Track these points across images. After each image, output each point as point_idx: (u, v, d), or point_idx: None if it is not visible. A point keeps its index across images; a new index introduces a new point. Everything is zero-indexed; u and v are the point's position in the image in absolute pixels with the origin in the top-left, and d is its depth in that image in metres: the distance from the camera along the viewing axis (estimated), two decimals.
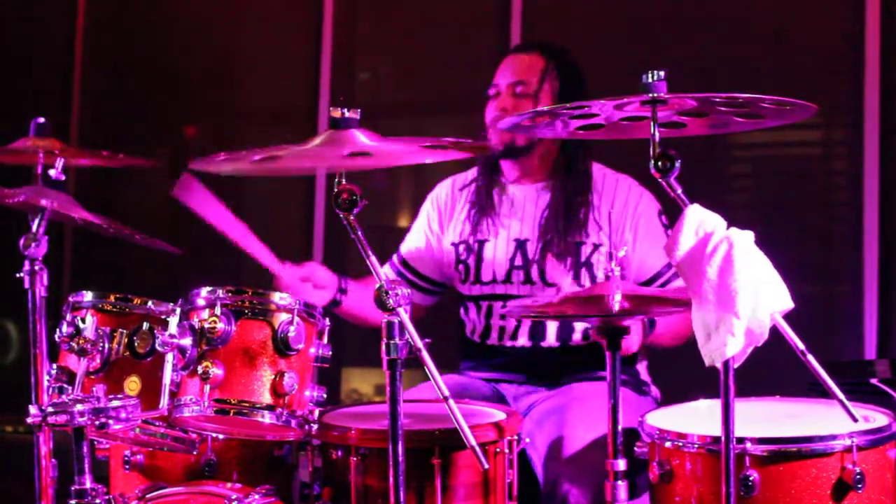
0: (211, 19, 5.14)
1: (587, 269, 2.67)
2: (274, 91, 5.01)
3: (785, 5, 4.07)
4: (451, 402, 1.85)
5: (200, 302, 2.09)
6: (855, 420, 1.86)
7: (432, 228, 2.89)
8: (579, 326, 2.68)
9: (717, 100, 1.86)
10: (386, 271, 2.88)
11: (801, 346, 1.81)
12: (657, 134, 1.87)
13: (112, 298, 2.16)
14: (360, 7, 4.93)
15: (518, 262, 2.72)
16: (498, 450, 2.18)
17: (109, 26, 5.34)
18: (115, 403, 1.89)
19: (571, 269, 2.66)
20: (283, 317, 2.08)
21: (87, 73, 5.31)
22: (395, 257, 2.92)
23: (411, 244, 2.91)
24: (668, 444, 2.08)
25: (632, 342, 2.40)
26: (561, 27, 4.37)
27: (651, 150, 1.87)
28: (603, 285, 2.16)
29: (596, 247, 2.67)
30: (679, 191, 1.86)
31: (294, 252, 4.62)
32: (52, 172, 2.38)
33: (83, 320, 2.06)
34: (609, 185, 2.74)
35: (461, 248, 2.81)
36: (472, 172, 2.87)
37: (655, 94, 1.84)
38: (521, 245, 2.73)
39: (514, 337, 2.73)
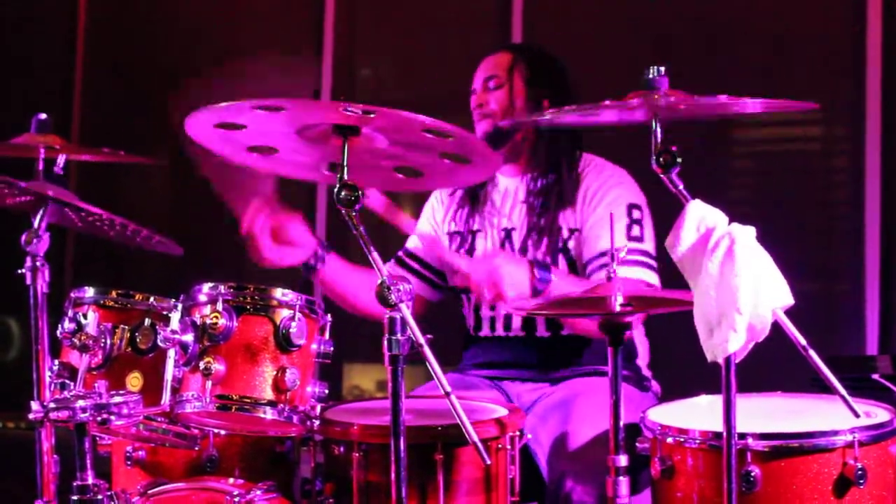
0: (211, 18, 5.15)
1: (564, 254, 2.68)
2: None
3: (786, 2, 4.07)
4: (453, 397, 1.85)
5: (202, 298, 2.09)
6: (857, 415, 1.86)
7: (436, 219, 2.93)
8: None
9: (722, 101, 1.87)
10: (389, 266, 2.88)
11: (803, 341, 1.81)
12: (659, 130, 1.87)
13: (114, 294, 2.16)
14: (361, 6, 4.94)
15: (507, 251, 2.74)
16: (500, 446, 2.18)
17: (110, 26, 5.35)
18: (117, 399, 1.88)
19: (550, 253, 2.67)
20: (285, 313, 2.08)
21: (87, 73, 5.32)
22: (400, 252, 2.94)
23: (417, 233, 2.92)
24: (669, 440, 2.08)
25: (513, 291, 2.37)
26: (561, 26, 4.37)
27: (652, 146, 1.87)
28: (605, 286, 2.16)
29: (572, 231, 2.68)
30: (681, 186, 1.87)
31: None
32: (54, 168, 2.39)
33: (85, 316, 2.07)
34: (593, 171, 2.74)
35: (455, 238, 2.85)
36: None
37: (657, 93, 1.84)
38: (508, 234, 2.76)
39: (507, 328, 2.74)
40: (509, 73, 2.78)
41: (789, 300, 1.83)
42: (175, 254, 2.54)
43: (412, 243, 2.93)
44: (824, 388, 1.86)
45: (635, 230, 2.63)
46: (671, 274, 2.01)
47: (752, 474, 1.95)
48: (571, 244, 2.69)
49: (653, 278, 2.58)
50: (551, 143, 2.76)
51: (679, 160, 1.85)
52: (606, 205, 2.66)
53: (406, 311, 1.87)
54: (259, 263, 2.54)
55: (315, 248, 2.63)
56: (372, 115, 1.90)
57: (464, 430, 1.85)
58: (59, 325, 2.10)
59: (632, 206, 2.67)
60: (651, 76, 1.87)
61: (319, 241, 2.65)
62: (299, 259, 2.60)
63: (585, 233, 2.66)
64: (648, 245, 2.63)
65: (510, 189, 2.82)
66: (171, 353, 2.04)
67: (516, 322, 2.73)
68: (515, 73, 2.78)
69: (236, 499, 2.10)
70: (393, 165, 2.11)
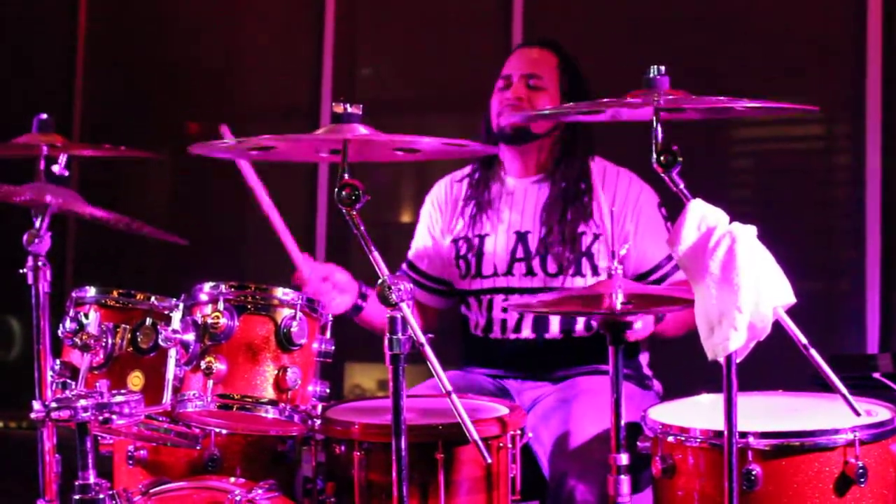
0: (212, 17, 5.15)
1: (588, 259, 2.68)
2: (276, 88, 5.02)
3: (787, 2, 4.07)
4: (454, 396, 1.85)
5: (203, 297, 2.09)
6: (857, 414, 1.86)
7: (434, 227, 2.90)
8: (582, 318, 2.69)
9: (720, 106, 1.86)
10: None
11: (804, 340, 1.81)
12: (660, 130, 1.87)
13: (115, 294, 2.16)
14: (362, 4, 4.94)
15: (519, 254, 2.73)
16: (501, 444, 2.18)
17: (111, 25, 5.35)
18: (119, 399, 1.88)
19: (574, 257, 2.67)
20: (286, 312, 2.08)
21: (88, 72, 5.32)
22: (403, 265, 2.94)
23: (416, 246, 2.93)
24: (670, 439, 2.08)
25: (644, 328, 2.43)
26: (562, 25, 4.38)
27: (653, 145, 1.87)
28: (605, 283, 2.16)
29: (596, 236, 2.68)
30: (682, 185, 1.87)
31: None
32: (55, 168, 2.39)
33: (86, 316, 2.07)
34: (609, 178, 2.75)
35: (461, 243, 2.82)
36: (467, 168, 2.89)
37: (657, 97, 1.84)
38: (521, 237, 2.74)
39: (517, 329, 2.73)
40: (557, 79, 2.74)
41: (791, 299, 1.83)
42: (180, 244, 2.54)
43: (412, 251, 2.93)
44: (825, 386, 1.86)
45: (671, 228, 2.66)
46: None
47: (753, 473, 1.95)
48: (595, 249, 2.68)
49: None
50: (572, 146, 2.75)
51: (680, 159, 1.85)
52: (644, 218, 2.69)
53: (407, 310, 1.87)
54: None
55: (358, 290, 2.63)
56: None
57: (465, 428, 1.85)
58: (61, 325, 2.10)
59: (659, 206, 2.73)
60: (652, 75, 1.87)
61: (359, 283, 2.64)
62: (349, 304, 2.61)
63: (635, 251, 2.66)
64: None
65: (522, 191, 2.79)
66: (173, 352, 2.04)
67: (525, 324, 2.73)
68: (559, 80, 2.74)
69: (238, 498, 2.10)
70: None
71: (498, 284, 2.75)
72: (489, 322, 2.77)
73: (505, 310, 2.73)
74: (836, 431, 1.97)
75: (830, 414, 2.09)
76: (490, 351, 2.78)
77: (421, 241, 2.92)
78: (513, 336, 2.74)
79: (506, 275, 2.74)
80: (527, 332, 2.72)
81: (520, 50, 2.84)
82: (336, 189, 1.94)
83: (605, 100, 1.94)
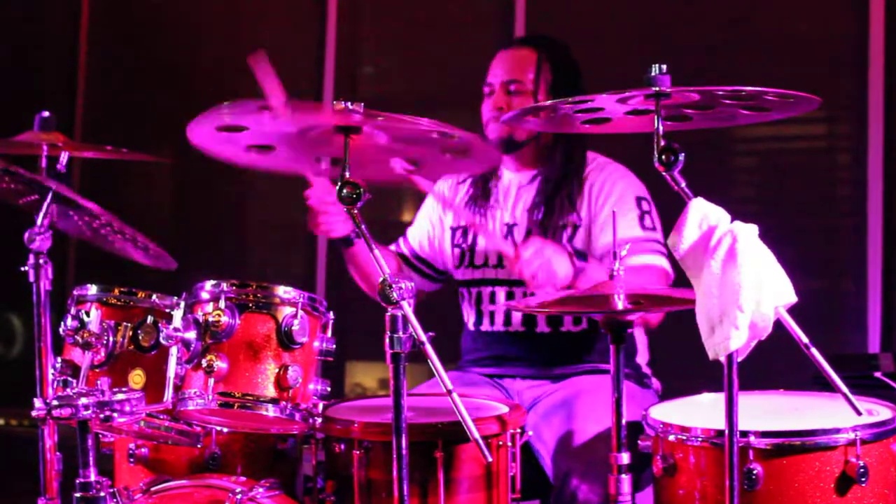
0: (214, 15, 5.15)
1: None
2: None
3: (789, 0, 4.08)
4: (454, 395, 1.85)
5: (205, 295, 2.09)
6: (859, 413, 1.85)
7: (434, 215, 2.94)
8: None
9: (720, 93, 1.86)
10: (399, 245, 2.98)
11: (805, 339, 1.81)
12: (661, 127, 1.87)
13: (117, 292, 2.17)
14: (364, 3, 4.94)
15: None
16: (501, 443, 2.18)
17: (113, 24, 5.35)
18: (120, 397, 1.88)
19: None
20: (287, 310, 2.08)
21: (91, 71, 5.32)
22: (402, 241, 2.97)
23: (415, 231, 2.97)
24: (671, 438, 2.08)
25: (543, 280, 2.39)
26: (564, 22, 4.37)
27: (654, 143, 1.87)
28: (606, 284, 2.16)
29: (575, 228, 2.70)
30: (683, 184, 1.86)
31: (297, 245, 4.67)
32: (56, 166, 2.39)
33: (88, 314, 2.07)
34: (596, 169, 2.76)
35: (458, 232, 2.86)
36: None
37: (659, 88, 1.84)
38: (510, 230, 2.77)
39: (507, 323, 2.75)
40: (535, 80, 2.72)
41: (792, 298, 1.83)
42: (169, 268, 2.53)
43: (410, 235, 2.97)
44: (826, 385, 1.86)
45: (647, 221, 2.66)
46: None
47: (754, 472, 1.95)
48: (574, 240, 2.69)
49: (667, 265, 2.61)
50: (565, 143, 2.75)
51: (681, 158, 1.84)
52: (615, 199, 2.68)
53: (408, 308, 1.87)
54: (314, 232, 2.67)
55: (352, 227, 2.65)
56: (380, 119, 1.92)
57: (465, 427, 1.85)
58: (62, 323, 2.10)
59: (640, 199, 2.71)
60: (654, 74, 1.86)
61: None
62: (346, 231, 2.65)
63: (597, 227, 2.67)
64: (661, 235, 2.65)
65: (513, 184, 2.82)
66: (174, 350, 2.04)
67: (516, 317, 2.74)
68: (541, 79, 2.72)
69: (238, 496, 2.10)
70: (390, 158, 2.13)
71: (487, 276, 2.78)
72: (479, 315, 2.80)
73: (492, 300, 2.76)
74: (838, 431, 1.97)
75: (831, 413, 2.09)
76: (483, 344, 2.79)
77: (418, 226, 2.96)
78: (503, 329, 2.75)
79: (496, 266, 2.76)
80: (516, 325, 2.74)
81: (500, 53, 2.80)
82: (337, 188, 1.94)
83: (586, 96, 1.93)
